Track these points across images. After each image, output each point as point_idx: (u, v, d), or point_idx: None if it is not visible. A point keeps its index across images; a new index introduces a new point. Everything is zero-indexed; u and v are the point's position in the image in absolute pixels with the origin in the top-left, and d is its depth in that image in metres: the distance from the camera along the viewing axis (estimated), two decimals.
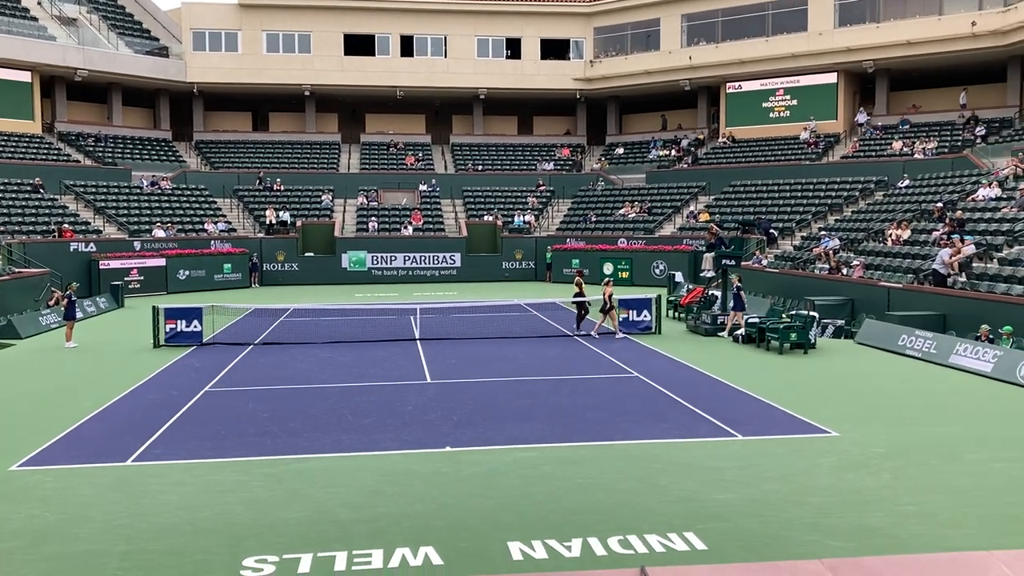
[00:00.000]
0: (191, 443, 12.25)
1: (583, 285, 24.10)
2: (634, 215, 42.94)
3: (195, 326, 21.77)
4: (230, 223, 42.23)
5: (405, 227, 42.95)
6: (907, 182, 35.06)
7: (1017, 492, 9.89)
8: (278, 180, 45.84)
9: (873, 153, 40.60)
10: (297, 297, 32.51)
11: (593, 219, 43.65)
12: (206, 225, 40.86)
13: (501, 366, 18.40)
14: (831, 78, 43.76)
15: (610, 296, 22.72)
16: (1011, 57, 39.02)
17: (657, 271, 37.69)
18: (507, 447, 11.89)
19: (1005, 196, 27.70)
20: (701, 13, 46.84)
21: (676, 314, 26.90)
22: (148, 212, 40.37)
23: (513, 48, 50.36)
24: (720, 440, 12.32)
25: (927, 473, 10.63)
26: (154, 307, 21.95)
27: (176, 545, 8.50)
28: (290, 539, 8.60)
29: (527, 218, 44.43)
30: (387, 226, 43.36)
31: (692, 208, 42.45)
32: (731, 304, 23.03)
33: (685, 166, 46.59)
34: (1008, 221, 25.41)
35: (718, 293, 24.93)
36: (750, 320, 21.96)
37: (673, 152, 48.47)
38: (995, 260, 23.48)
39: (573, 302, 23.95)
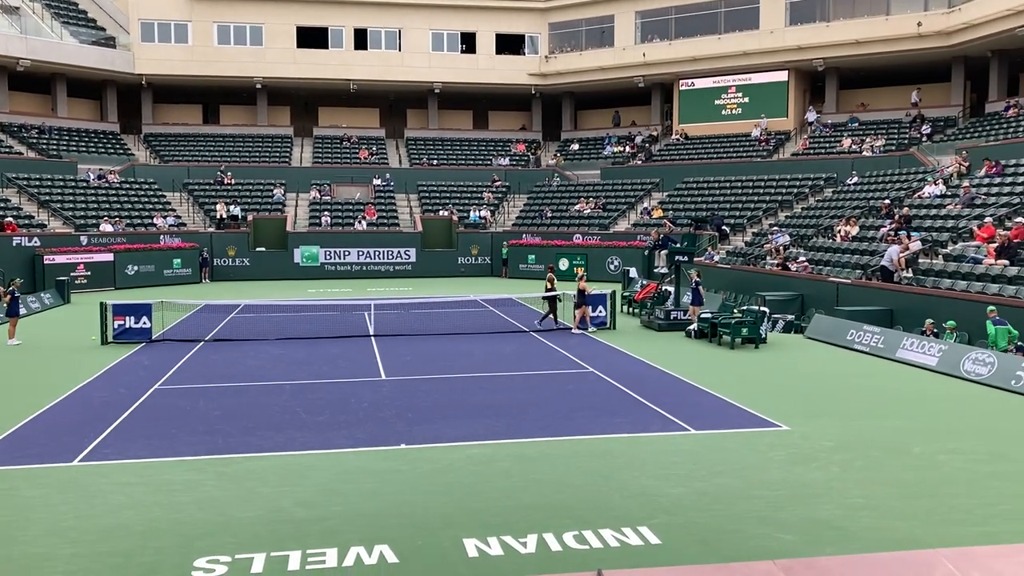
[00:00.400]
0: (140, 442, 12.03)
1: (555, 281, 24.26)
2: (589, 211, 43.15)
3: (144, 322, 21.37)
4: (180, 217, 41.58)
5: (359, 222, 42.65)
6: (856, 179, 35.70)
7: (960, 484, 10.14)
8: (229, 173, 45.23)
9: (823, 150, 41.28)
10: (248, 292, 32.12)
11: (548, 215, 43.78)
12: (155, 219, 40.17)
13: (457, 362, 18.37)
14: (782, 76, 44.39)
15: (581, 291, 22.90)
16: (955, 57, 39.93)
17: (612, 267, 37.91)
18: (462, 444, 11.87)
19: (950, 193, 28.35)
20: (654, 10, 47.18)
21: (631, 310, 27.08)
22: (95, 206, 39.55)
23: (468, 42, 50.26)
24: (673, 435, 12.43)
25: (875, 466, 10.85)
26: (102, 303, 21.49)
27: (125, 547, 8.34)
28: (243, 539, 8.49)
29: (483, 213, 44.39)
30: (340, 221, 43.02)
31: (646, 204, 42.78)
32: (686, 298, 23.23)
33: (639, 162, 46.92)
34: (952, 218, 26.01)
35: (672, 289, 25.16)
36: (702, 316, 22.20)
37: (627, 148, 48.78)
38: (940, 256, 24.03)
39: (544, 298, 24.05)
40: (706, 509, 9.27)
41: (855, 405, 14.39)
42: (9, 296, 22.09)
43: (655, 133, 49.46)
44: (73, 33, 46.10)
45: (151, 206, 41.67)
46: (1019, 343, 17.09)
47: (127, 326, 21.26)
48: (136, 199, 41.84)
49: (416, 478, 10.40)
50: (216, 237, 40.20)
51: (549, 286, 23.92)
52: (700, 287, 23.51)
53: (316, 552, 8.17)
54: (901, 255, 23.42)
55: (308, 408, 14.10)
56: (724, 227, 36.62)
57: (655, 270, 31.67)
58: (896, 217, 27.30)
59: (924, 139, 38.35)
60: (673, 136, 48.12)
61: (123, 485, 10.17)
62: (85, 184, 41.05)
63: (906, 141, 38.86)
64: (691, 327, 22.16)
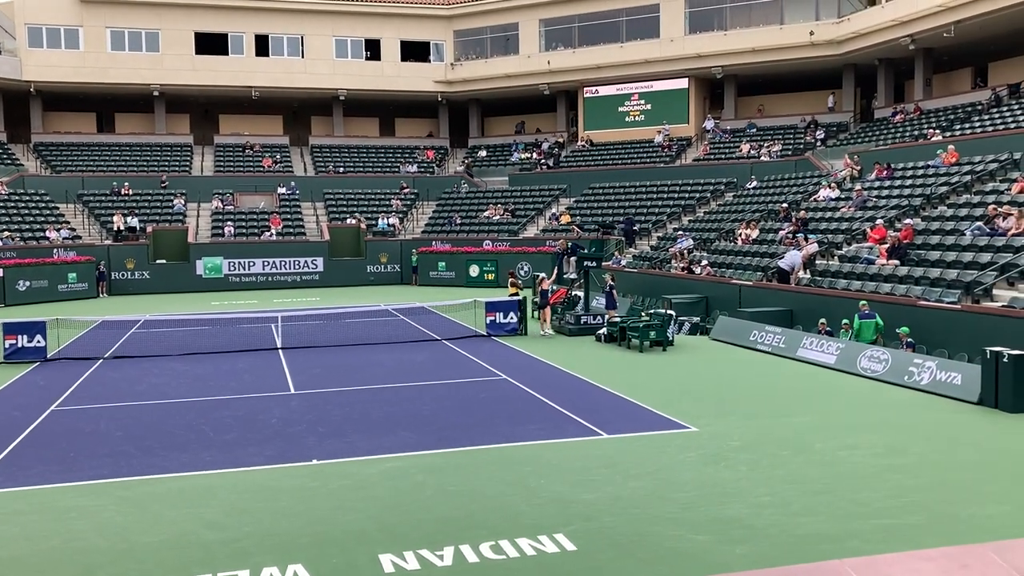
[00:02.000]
0: (37, 467, 11.50)
1: (519, 285, 24.57)
2: (498, 217, 43.30)
3: (38, 341, 20.42)
4: (74, 230, 39.99)
5: (268, 233, 41.73)
6: (755, 183, 36.80)
7: (859, 478, 10.52)
8: (126, 184, 43.72)
9: (723, 156, 42.43)
10: (149, 307, 31.09)
11: (458, 221, 43.75)
12: (48, 232, 38.53)
13: (368, 374, 18.16)
14: (683, 83, 45.47)
15: (544, 292, 22.98)
16: (846, 65, 41.64)
17: (522, 272, 38.08)
18: (375, 457, 11.74)
19: (843, 196, 29.48)
20: (558, 19, 47.74)
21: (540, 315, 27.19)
22: None
23: (373, 49, 49.87)
24: (587, 440, 12.56)
25: (780, 464, 11.17)
26: None
27: None
28: (149, 565, 8.20)
29: (391, 221, 44.06)
30: (244, 231, 42.06)
31: (554, 210, 43.18)
32: (596, 302, 23.55)
33: (546, 169, 47.34)
34: (846, 220, 27.05)
35: (581, 294, 25.44)
36: (611, 320, 22.50)
37: (534, 155, 49.17)
38: (836, 257, 24.96)
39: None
40: (621, 513, 9.38)
41: (760, 404, 14.80)
42: None
43: (561, 140, 50.00)
44: None
45: (43, 218, 39.98)
46: (909, 340, 17.87)
47: (19, 345, 20.30)
48: (27, 211, 40.08)
49: (329, 494, 10.23)
50: (114, 250, 38.79)
51: (513, 291, 24.15)
52: (614, 291, 23.85)
53: (228, 575, 7.94)
54: (803, 260, 24.27)
55: (215, 426, 13.72)
56: (634, 228, 37.22)
57: (564, 276, 31.95)
58: (794, 220, 28.24)
59: (818, 144, 39.83)
60: (579, 143, 48.75)
61: (17, 513, 9.69)
62: None
63: (801, 146, 40.28)
64: (600, 331, 22.44)
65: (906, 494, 9.92)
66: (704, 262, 28.28)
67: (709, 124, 45.20)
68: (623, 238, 36.31)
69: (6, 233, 36.64)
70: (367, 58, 49.80)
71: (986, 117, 32.53)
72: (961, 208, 23.95)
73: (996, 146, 27.50)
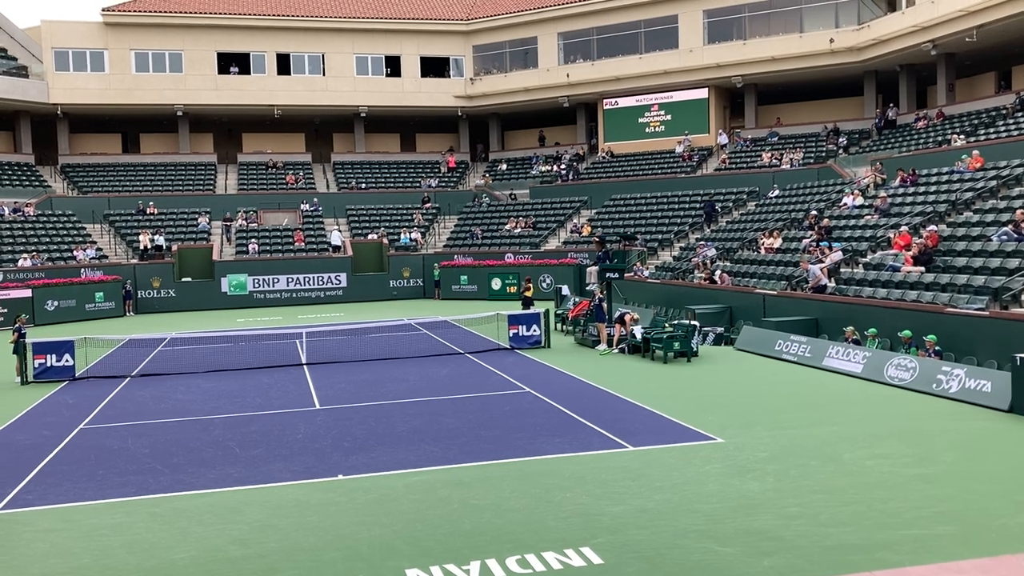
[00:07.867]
0: (66, 485, 11.62)
1: (531, 291, 27.06)
2: (520, 230, 43.36)
3: (67, 360, 20.67)
4: (101, 250, 40.48)
5: (296, 243, 42.01)
6: (777, 192, 36.62)
7: (889, 488, 10.41)
8: (151, 203, 44.23)
9: (744, 165, 42.27)
10: (175, 324, 31.38)
11: (480, 235, 43.85)
12: (75, 252, 39.04)
13: (392, 388, 18.21)
14: (702, 93, 45.41)
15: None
16: (866, 72, 41.42)
17: (544, 284, 38.12)
18: (400, 472, 11.76)
19: (867, 204, 29.26)
20: (577, 31, 47.87)
21: (564, 327, 27.23)
22: (11, 240, 38.28)
23: (393, 66, 50.23)
24: (611, 452, 12.51)
25: (808, 474, 11.07)
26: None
27: None
28: None
29: (414, 235, 44.24)
30: (268, 248, 42.39)
31: (576, 222, 43.19)
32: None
33: (565, 181, 47.38)
34: (871, 228, 26.83)
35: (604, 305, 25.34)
36: (634, 331, 22.41)
37: (555, 168, 49.24)
38: (860, 265, 24.76)
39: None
40: (647, 526, 9.33)
41: (786, 414, 14.69)
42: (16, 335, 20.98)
43: (581, 152, 50.05)
44: None
45: (70, 239, 40.52)
46: (937, 347, 17.66)
47: (48, 364, 20.54)
48: (55, 232, 40.63)
49: (355, 509, 10.25)
50: (140, 268, 39.22)
51: (527, 295, 25.72)
52: (603, 304, 23.80)
53: None
54: (822, 269, 24.09)
55: (241, 442, 13.80)
56: (716, 209, 37.38)
57: (587, 287, 31.87)
58: (817, 228, 28.04)
59: (840, 152, 39.59)
60: (599, 154, 48.76)
61: (48, 531, 9.79)
62: (0, 218, 39.68)
63: (823, 154, 40.06)
64: (622, 344, 22.36)
65: (936, 504, 9.79)
66: (719, 271, 28.13)
67: (723, 139, 45.02)
68: (704, 218, 36.84)
69: (35, 254, 37.14)
70: (387, 75, 50.17)
71: (1011, 121, 32.19)
72: (987, 214, 23.69)
73: (1022, 150, 27.19)
